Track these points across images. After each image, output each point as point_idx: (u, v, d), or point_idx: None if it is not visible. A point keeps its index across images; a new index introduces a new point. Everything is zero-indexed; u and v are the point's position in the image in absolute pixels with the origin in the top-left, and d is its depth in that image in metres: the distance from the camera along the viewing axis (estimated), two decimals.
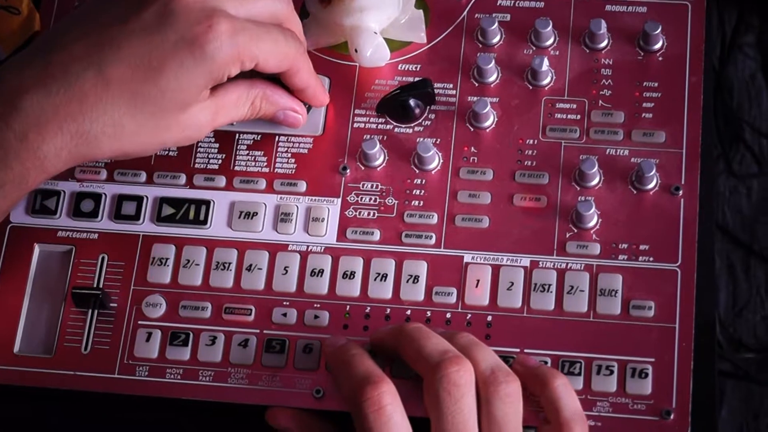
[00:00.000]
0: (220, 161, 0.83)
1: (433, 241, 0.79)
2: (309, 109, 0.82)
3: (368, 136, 0.82)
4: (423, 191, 0.81)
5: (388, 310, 0.78)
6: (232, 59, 0.73)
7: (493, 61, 0.82)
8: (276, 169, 0.82)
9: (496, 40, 0.84)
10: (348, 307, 0.78)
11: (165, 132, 0.74)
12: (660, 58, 0.82)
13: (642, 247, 0.78)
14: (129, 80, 0.71)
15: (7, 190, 0.72)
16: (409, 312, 0.78)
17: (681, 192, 0.79)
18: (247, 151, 0.83)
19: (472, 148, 0.82)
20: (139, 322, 0.79)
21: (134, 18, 0.72)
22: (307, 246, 0.80)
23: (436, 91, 0.82)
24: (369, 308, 0.78)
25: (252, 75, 0.77)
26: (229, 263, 0.80)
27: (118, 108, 0.72)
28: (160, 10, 0.72)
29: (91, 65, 0.71)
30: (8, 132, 0.70)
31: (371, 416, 0.69)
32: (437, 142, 0.82)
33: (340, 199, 0.81)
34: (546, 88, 0.82)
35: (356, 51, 0.82)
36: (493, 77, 0.83)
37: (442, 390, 0.69)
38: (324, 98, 0.82)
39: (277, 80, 0.79)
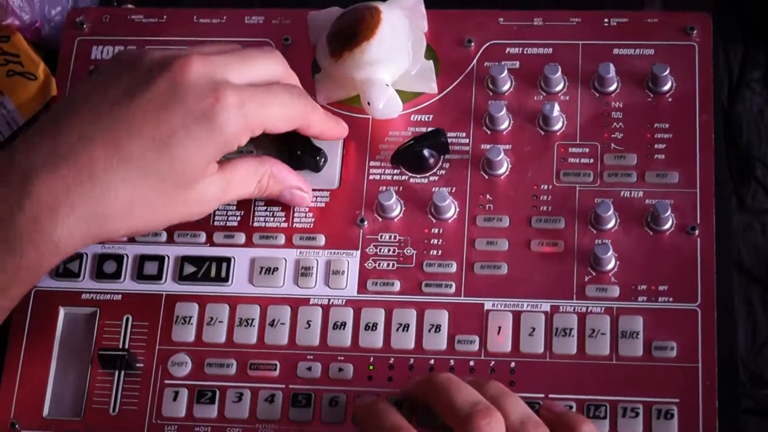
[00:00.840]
0: (239, 218, 0.84)
1: (453, 289, 0.80)
2: (324, 162, 0.83)
3: (384, 188, 0.83)
4: (441, 240, 0.81)
5: (412, 360, 0.79)
6: (242, 129, 0.74)
7: (505, 109, 0.83)
8: (294, 224, 0.83)
9: (506, 87, 0.85)
10: (371, 358, 0.79)
11: (176, 207, 0.75)
12: (670, 99, 0.83)
13: (661, 288, 0.78)
14: (139, 157, 0.72)
15: (21, 276, 0.72)
16: (432, 361, 0.78)
17: (697, 231, 0.79)
18: (265, 207, 0.84)
19: (488, 196, 0.82)
20: (166, 381, 0.80)
21: (141, 94, 0.73)
22: (329, 299, 0.81)
23: (449, 140, 0.83)
24: (392, 359, 0.79)
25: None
26: (252, 319, 0.81)
27: (129, 186, 0.72)
28: (167, 86, 0.73)
29: (100, 144, 0.72)
30: (21, 216, 0.70)
31: None
32: (453, 191, 0.82)
33: (359, 252, 0.82)
34: (558, 133, 0.83)
35: (369, 104, 0.83)
36: (505, 124, 0.84)
37: None
38: (342, 132, 0.83)
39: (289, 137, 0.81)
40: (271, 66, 0.79)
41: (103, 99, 0.74)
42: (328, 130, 0.82)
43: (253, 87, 0.76)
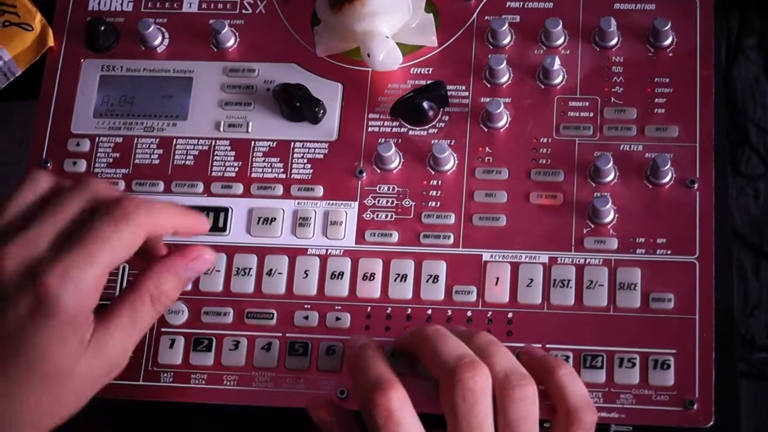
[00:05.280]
0: (237, 169, 0.83)
1: (451, 240, 0.80)
2: (323, 114, 0.83)
3: (383, 140, 0.83)
4: (439, 192, 0.81)
5: (409, 310, 0.79)
6: (80, 298, 0.67)
7: (505, 62, 0.83)
8: (293, 175, 0.83)
9: (506, 41, 0.85)
10: (369, 308, 0.79)
11: (64, 397, 0.69)
12: (670, 54, 0.83)
13: (659, 241, 0.78)
14: (11, 381, 0.67)
15: None
16: (430, 311, 0.78)
17: (696, 185, 0.79)
18: (263, 158, 0.84)
19: (487, 149, 0.82)
20: (162, 329, 0.80)
21: None
22: (326, 249, 0.81)
23: (448, 93, 0.83)
24: (390, 309, 0.79)
25: None
26: (250, 269, 0.80)
27: (7, 406, 0.67)
28: None
29: None
30: None
31: (381, 422, 0.69)
32: (452, 144, 0.82)
33: (357, 203, 0.82)
34: (558, 87, 0.83)
35: (368, 55, 0.83)
36: (505, 78, 0.84)
37: (457, 395, 0.69)
38: (202, 226, 0.75)
39: None
40: (84, 196, 0.70)
41: None
42: (182, 225, 0.73)
43: (71, 245, 0.67)
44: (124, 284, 0.81)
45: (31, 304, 0.66)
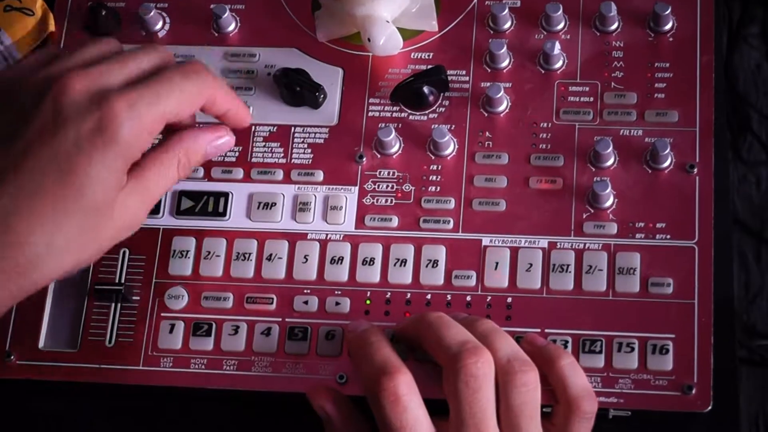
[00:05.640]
0: (237, 153, 0.83)
1: (451, 225, 0.80)
2: (323, 99, 0.83)
3: (383, 125, 0.83)
4: (439, 177, 0.81)
5: (409, 295, 0.79)
6: (140, 132, 0.69)
7: (505, 47, 0.83)
8: (293, 160, 0.83)
9: (507, 25, 0.85)
10: (368, 293, 0.79)
11: (100, 233, 0.70)
12: (671, 39, 0.83)
13: (659, 225, 0.78)
14: (44, 193, 0.67)
15: None
16: (429, 296, 0.79)
17: (696, 170, 0.79)
18: (264, 143, 0.84)
19: (487, 133, 0.82)
20: (162, 314, 0.80)
21: (25, 129, 0.68)
22: (326, 234, 0.81)
23: (449, 78, 0.83)
24: (389, 294, 0.79)
25: None
26: (250, 254, 0.80)
27: (43, 225, 0.67)
28: (49, 112, 0.68)
29: (3, 192, 0.67)
30: None
31: (388, 407, 0.69)
32: (452, 128, 0.82)
33: (357, 187, 0.82)
34: (558, 72, 0.83)
35: (369, 40, 0.83)
36: (505, 62, 0.84)
37: (460, 381, 0.69)
38: (247, 118, 0.78)
39: None
40: (154, 56, 0.72)
41: None
42: (232, 109, 0.76)
43: (139, 84, 0.70)
44: (124, 272, 0.81)
45: (94, 126, 0.67)
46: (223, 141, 0.76)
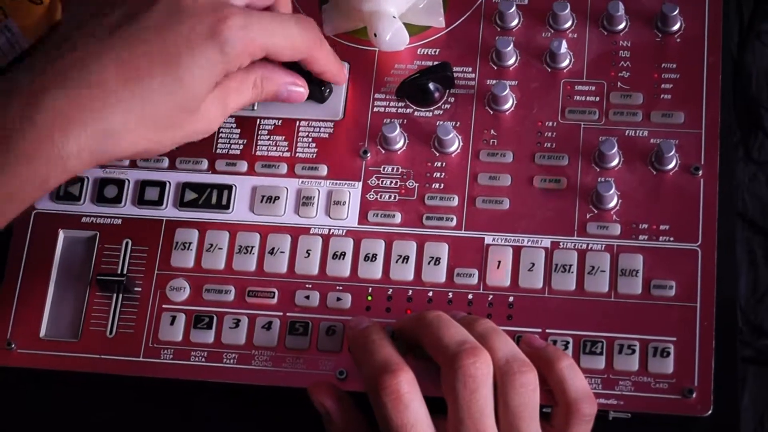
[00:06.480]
0: (241, 146, 0.83)
1: (454, 223, 0.80)
2: (329, 93, 0.83)
3: (388, 120, 0.83)
4: (443, 174, 0.81)
5: (410, 292, 0.79)
6: (245, 51, 0.74)
7: (512, 45, 0.83)
8: (297, 154, 0.83)
9: (514, 23, 0.84)
10: (370, 289, 0.79)
11: (181, 126, 0.74)
12: (678, 40, 0.83)
13: (662, 227, 0.78)
14: (147, 76, 0.71)
15: (27, 190, 0.70)
16: (431, 293, 0.78)
17: (701, 172, 0.79)
18: (268, 136, 0.84)
19: (492, 131, 0.82)
20: (164, 306, 0.80)
21: (144, 15, 0.72)
22: (329, 229, 0.81)
23: (455, 74, 0.83)
24: (391, 290, 0.79)
25: None
26: (252, 247, 0.80)
27: (138, 103, 0.71)
28: (170, 6, 0.72)
29: (109, 63, 0.71)
30: (32, 130, 0.69)
31: (389, 405, 0.69)
32: (457, 125, 0.82)
33: (361, 183, 0.82)
34: (564, 71, 0.83)
35: (375, 35, 0.82)
36: (511, 60, 0.83)
37: (459, 381, 0.69)
38: (343, 77, 0.83)
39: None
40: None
41: (105, 21, 0.73)
42: (331, 69, 0.81)
43: (260, 12, 0.75)
44: (127, 260, 0.81)
45: (208, 30, 0.72)
46: (298, 90, 0.80)
